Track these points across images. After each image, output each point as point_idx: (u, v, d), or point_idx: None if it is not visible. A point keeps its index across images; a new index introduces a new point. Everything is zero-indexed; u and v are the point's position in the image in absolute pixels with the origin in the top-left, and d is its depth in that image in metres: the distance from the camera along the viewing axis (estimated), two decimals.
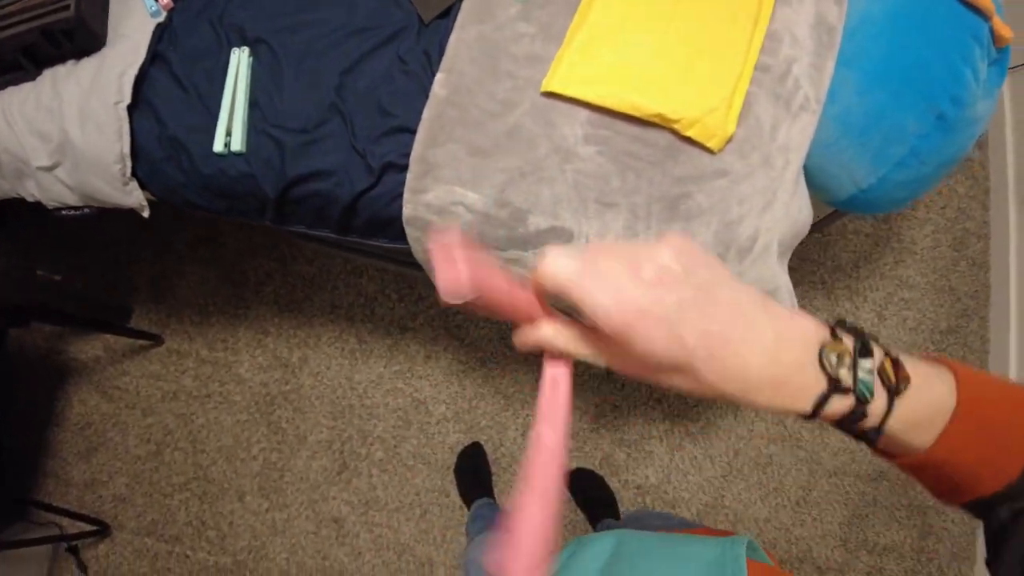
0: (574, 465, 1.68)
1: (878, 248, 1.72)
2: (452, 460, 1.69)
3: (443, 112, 1.08)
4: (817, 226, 1.39)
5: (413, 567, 1.70)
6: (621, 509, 1.65)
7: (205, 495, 1.80)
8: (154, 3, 1.19)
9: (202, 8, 1.20)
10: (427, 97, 1.09)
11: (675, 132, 1.06)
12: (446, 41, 1.12)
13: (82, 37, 1.12)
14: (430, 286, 1.54)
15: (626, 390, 1.69)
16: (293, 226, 1.22)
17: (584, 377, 1.70)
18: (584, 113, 1.08)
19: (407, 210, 1.09)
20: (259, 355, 1.81)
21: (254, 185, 1.13)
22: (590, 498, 1.67)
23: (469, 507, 1.64)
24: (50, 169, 1.18)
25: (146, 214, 1.22)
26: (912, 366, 0.37)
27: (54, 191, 1.22)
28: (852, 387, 0.35)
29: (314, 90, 1.13)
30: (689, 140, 1.05)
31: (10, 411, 1.84)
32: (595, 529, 1.62)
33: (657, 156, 1.06)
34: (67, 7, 1.07)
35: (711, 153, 1.03)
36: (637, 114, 1.05)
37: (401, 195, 1.09)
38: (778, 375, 0.35)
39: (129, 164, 1.15)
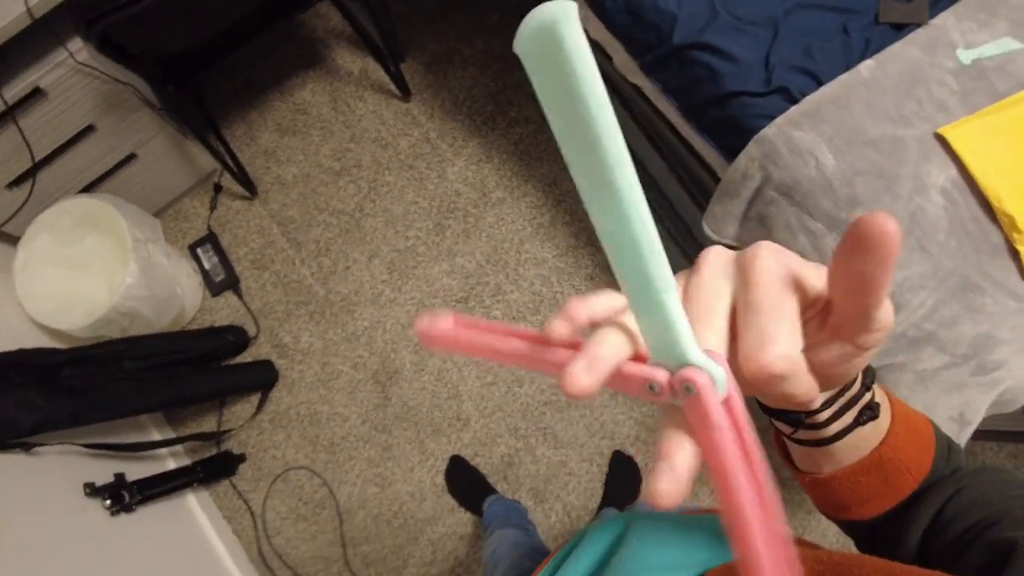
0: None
1: None
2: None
3: (855, 86, 1.18)
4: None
5: (450, 414, 1.77)
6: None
7: (346, 233, 1.91)
8: None
9: None
10: (846, 69, 1.19)
11: (1010, 239, 1.13)
12: (888, 43, 1.22)
13: None
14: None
15: None
16: (654, 80, 1.32)
17: None
18: (954, 171, 1.16)
19: (769, 130, 1.18)
20: (471, 170, 1.93)
21: (668, 24, 1.24)
22: (616, 486, 1.72)
23: (481, 514, 1.66)
24: None
25: None
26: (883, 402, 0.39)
27: None
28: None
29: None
30: (1016, 254, 1.12)
31: (259, 50, 1.99)
32: (599, 512, 1.67)
33: (984, 245, 1.13)
34: None
35: (1021, 276, 1.11)
36: (994, 203, 1.13)
37: (769, 117, 1.19)
38: None
39: None
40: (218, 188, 1.97)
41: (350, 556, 1.74)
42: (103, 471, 1.54)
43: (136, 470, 1.61)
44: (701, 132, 1.32)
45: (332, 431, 1.80)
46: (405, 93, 1.98)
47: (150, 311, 1.66)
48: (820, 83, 1.20)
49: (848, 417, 0.36)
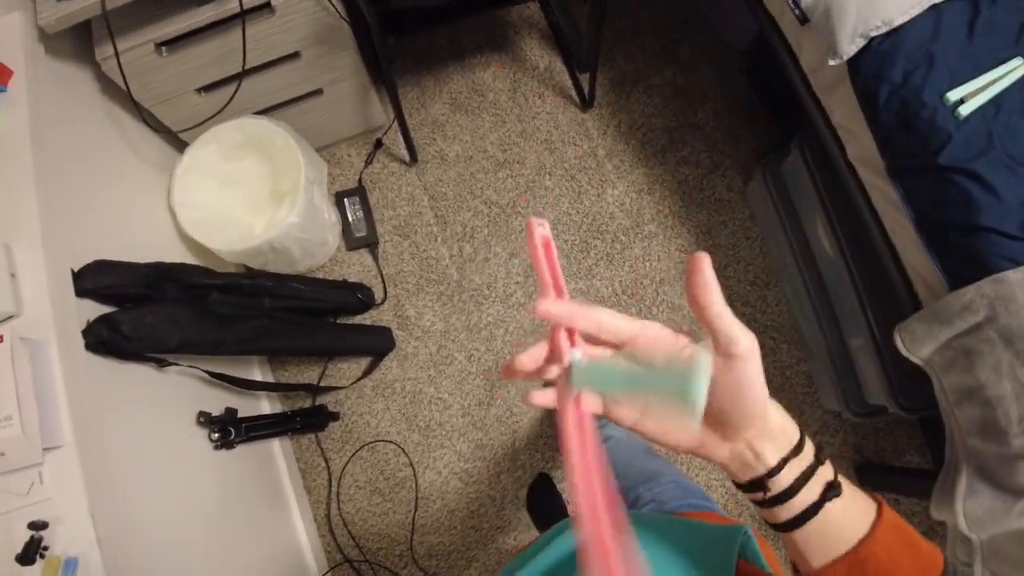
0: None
1: None
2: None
3: None
4: None
5: (549, 432, 1.67)
6: None
7: (494, 225, 1.81)
8: None
9: (1021, 6, 1.23)
10: None
11: None
12: None
13: None
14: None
15: None
16: (897, 185, 1.22)
17: None
18: None
19: (1013, 275, 1.08)
20: (630, 197, 1.84)
21: (939, 141, 1.14)
22: None
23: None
24: None
25: None
26: (850, 491, 0.41)
27: None
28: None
29: None
30: None
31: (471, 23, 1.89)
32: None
33: None
34: None
35: None
36: None
37: (1015, 262, 1.09)
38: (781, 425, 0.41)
39: None
40: (379, 144, 1.86)
41: (416, 542, 1.65)
42: (214, 401, 1.45)
43: (238, 405, 1.52)
44: (930, 249, 1.21)
45: (431, 415, 1.71)
46: (585, 104, 1.88)
47: (299, 251, 1.57)
48: None
49: (814, 488, 0.40)
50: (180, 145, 1.61)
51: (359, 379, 1.70)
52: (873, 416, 1.61)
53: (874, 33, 1.21)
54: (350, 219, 1.79)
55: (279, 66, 1.52)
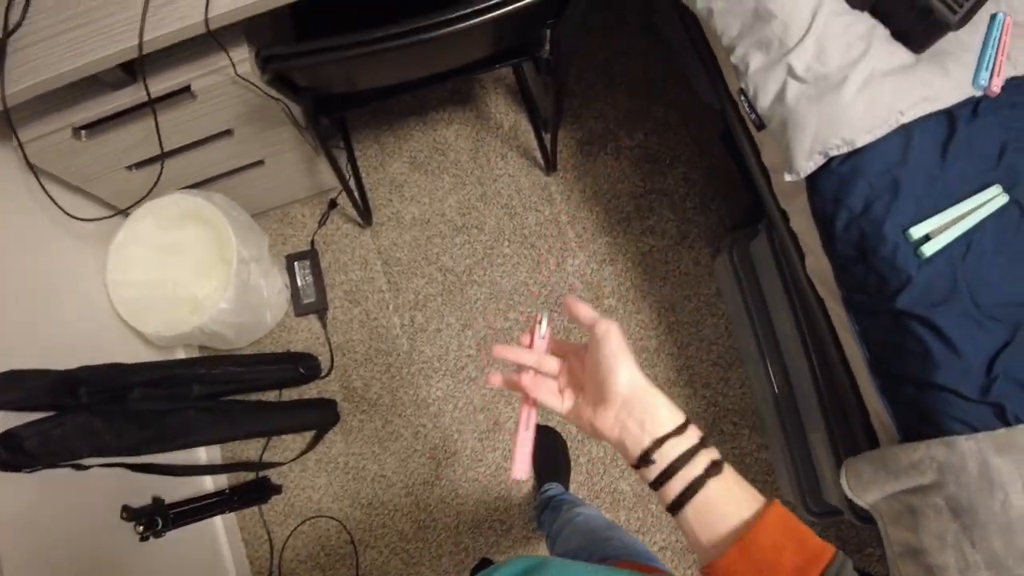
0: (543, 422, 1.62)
1: None
2: None
3: None
4: None
5: (495, 515, 1.61)
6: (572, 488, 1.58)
7: (448, 293, 1.73)
8: (986, 79, 1.06)
9: (1007, 123, 1.07)
10: None
11: None
12: None
13: None
14: None
15: None
16: (852, 319, 1.09)
17: None
18: None
19: (966, 443, 0.96)
20: (591, 267, 1.72)
21: (898, 283, 1.01)
22: (545, 458, 1.59)
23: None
24: None
25: None
26: (734, 477, 0.46)
27: None
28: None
29: (1021, 283, 1.00)
30: None
31: None
32: (539, 490, 1.54)
33: None
34: None
35: None
36: None
37: (971, 427, 0.97)
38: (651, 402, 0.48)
39: None
40: (333, 204, 1.76)
41: None
42: (142, 490, 1.39)
43: (173, 487, 1.45)
44: (882, 393, 1.09)
45: (374, 492, 1.64)
46: (549, 167, 1.75)
47: (232, 334, 1.48)
48: None
49: (698, 464, 0.45)
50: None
51: (301, 454, 1.63)
52: (830, 516, 1.50)
53: (834, 152, 1.07)
54: (299, 284, 1.70)
55: (212, 143, 1.41)
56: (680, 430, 0.47)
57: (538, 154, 1.77)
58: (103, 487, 1.31)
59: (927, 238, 1.02)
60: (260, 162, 1.53)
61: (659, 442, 0.46)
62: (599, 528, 1.10)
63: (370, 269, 1.73)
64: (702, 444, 0.46)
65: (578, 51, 1.81)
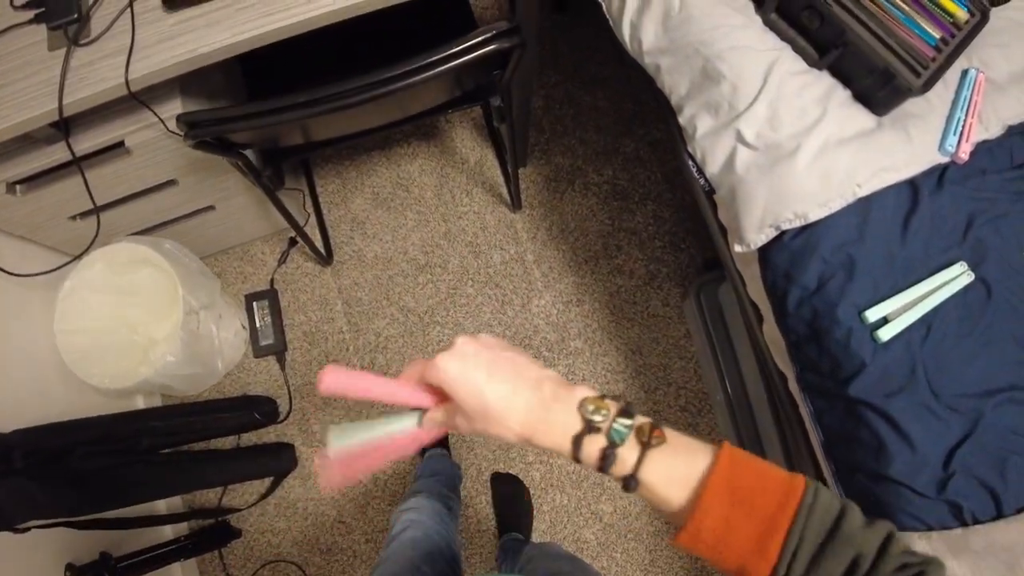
0: (502, 469, 1.56)
1: None
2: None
3: None
4: None
5: None
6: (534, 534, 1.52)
7: (409, 335, 1.66)
8: (954, 144, 0.96)
9: (975, 193, 0.97)
10: None
11: None
12: None
13: None
14: None
15: None
16: (806, 397, 1.01)
17: None
18: None
19: (920, 543, 0.88)
20: (557, 308, 1.65)
21: (851, 368, 0.92)
22: (506, 507, 1.54)
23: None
24: None
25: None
26: (673, 434, 0.42)
27: None
28: (606, 432, 0.41)
29: (984, 371, 0.91)
30: None
31: None
32: (500, 539, 1.49)
33: None
34: None
35: None
36: None
37: (927, 525, 0.90)
38: (543, 417, 0.43)
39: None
40: (293, 242, 1.69)
41: None
42: (91, 545, 1.34)
43: (124, 538, 1.41)
44: (836, 478, 1.01)
45: (333, 538, 1.58)
46: (515, 204, 1.66)
47: (183, 385, 1.43)
48: (1001, 513, 0.88)
49: (632, 442, 0.41)
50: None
51: (259, 499, 1.58)
52: None
53: (786, 226, 0.98)
54: (258, 324, 1.64)
55: (155, 192, 1.35)
56: (588, 428, 0.42)
57: (504, 190, 1.68)
58: (47, 546, 1.27)
59: (884, 320, 0.93)
60: (211, 207, 1.46)
61: (576, 441, 0.42)
62: (564, 555, 1.03)
63: (330, 309, 1.67)
64: (625, 414, 0.42)
65: (546, 82, 1.72)
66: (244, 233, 1.65)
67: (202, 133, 1.03)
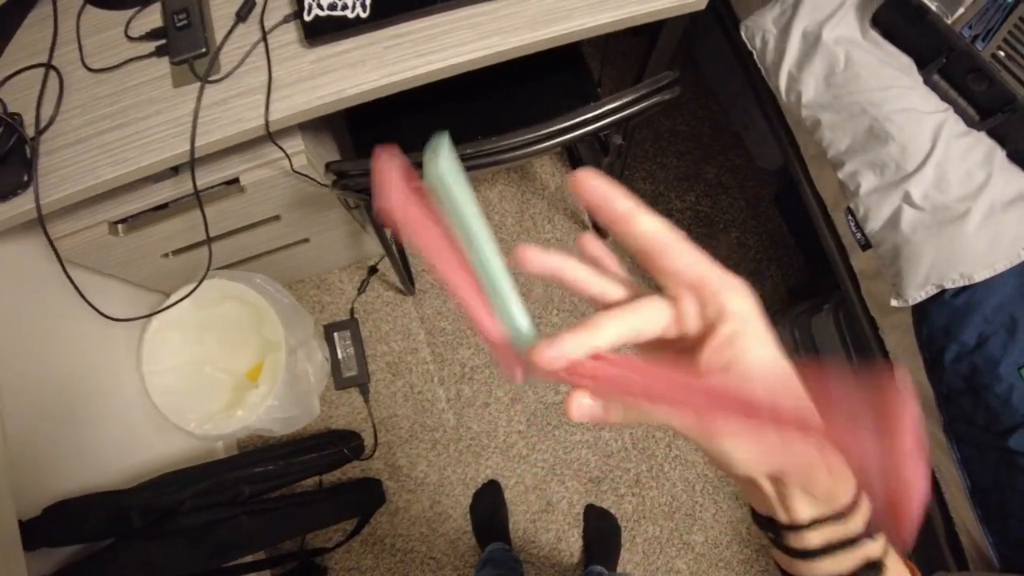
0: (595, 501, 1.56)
1: None
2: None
3: None
4: None
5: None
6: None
7: (495, 365, 1.61)
8: None
9: None
10: None
11: None
12: None
13: None
14: None
15: None
16: (952, 445, 1.03)
17: None
18: None
19: None
20: None
21: (1012, 420, 0.94)
22: (596, 541, 1.53)
23: (483, 548, 1.50)
24: None
25: None
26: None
27: None
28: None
29: None
30: None
31: None
32: (584, 568, 1.49)
33: None
34: None
35: None
36: None
37: None
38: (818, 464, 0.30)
39: None
40: (373, 271, 1.63)
41: None
42: None
43: None
44: (984, 523, 1.03)
45: (423, 574, 1.56)
46: (600, 230, 1.64)
47: (282, 428, 1.37)
48: None
49: (844, 561, 0.30)
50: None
51: (347, 539, 1.53)
52: None
53: (950, 284, 0.99)
54: (340, 356, 1.58)
55: (258, 228, 1.28)
56: (839, 516, 0.30)
57: (586, 216, 1.66)
58: None
59: None
60: (305, 240, 1.40)
61: (801, 526, 0.30)
62: None
63: (413, 339, 1.62)
64: (867, 536, 0.31)
65: None
66: (328, 263, 1.58)
67: (352, 184, 0.98)
